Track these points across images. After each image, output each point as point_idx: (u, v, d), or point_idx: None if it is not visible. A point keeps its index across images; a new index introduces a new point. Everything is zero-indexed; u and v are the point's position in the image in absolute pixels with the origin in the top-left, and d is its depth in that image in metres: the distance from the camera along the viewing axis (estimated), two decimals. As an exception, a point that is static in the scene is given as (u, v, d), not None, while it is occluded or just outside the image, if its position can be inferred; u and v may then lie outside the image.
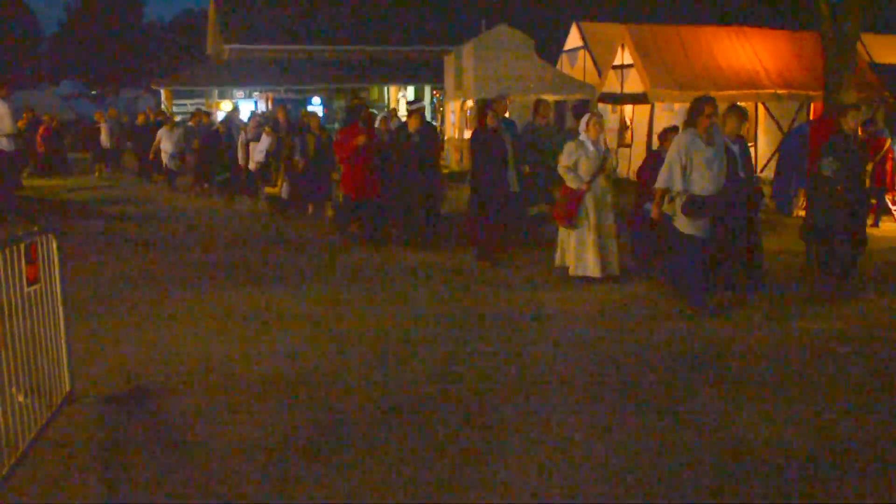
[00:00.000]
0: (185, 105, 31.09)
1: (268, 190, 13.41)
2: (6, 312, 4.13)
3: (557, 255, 8.42)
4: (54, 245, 4.74)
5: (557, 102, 18.16)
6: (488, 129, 9.10)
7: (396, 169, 10.34)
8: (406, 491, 3.91)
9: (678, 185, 6.82)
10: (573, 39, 21.32)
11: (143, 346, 6.15)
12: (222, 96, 31.15)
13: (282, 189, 12.88)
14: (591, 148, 7.96)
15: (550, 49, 22.57)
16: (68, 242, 8.98)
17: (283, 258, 9.67)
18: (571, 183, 7.98)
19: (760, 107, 16.68)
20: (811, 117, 15.83)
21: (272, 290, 8.03)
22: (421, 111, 10.81)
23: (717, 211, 6.86)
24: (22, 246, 4.28)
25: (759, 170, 16.30)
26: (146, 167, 19.10)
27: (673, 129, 8.34)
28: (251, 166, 14.10)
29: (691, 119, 6.93)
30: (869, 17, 15.31)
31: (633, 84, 16.76)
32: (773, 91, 16.25)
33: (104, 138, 20.80)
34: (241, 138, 14.93)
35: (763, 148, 16.72)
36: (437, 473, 4.07)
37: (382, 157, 10.58)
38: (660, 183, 6.94)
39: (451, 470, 4.11)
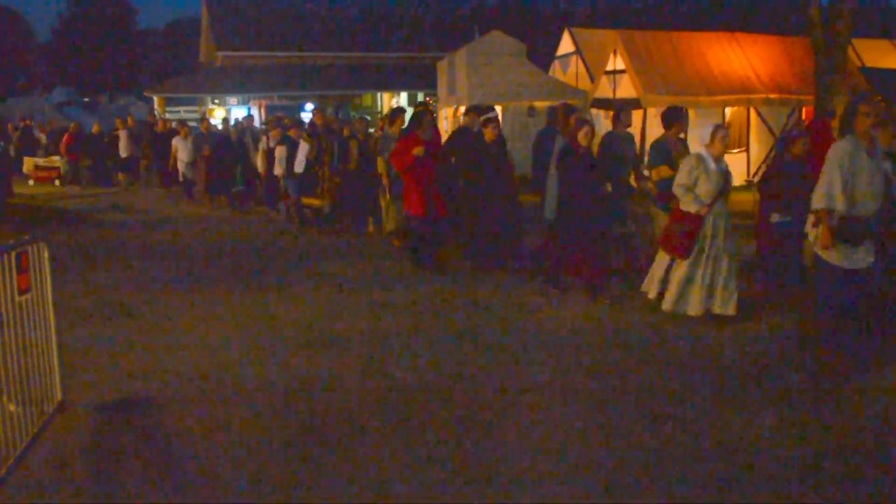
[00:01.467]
0: (177, 112, 31.04)
1: (307, 201, 12.31)
2: (-3, 322, 4.12)
3: (646, 281, 7.28)
4: (45, 254, 4.72)
5: (549, 107, 18.17)
6: (582, 149, 7.63)
7: (468, 183, 9.01)
8: (403, 498, 3.91)
9: (842, 206, 5.48)
10: (565, 45, 21.39)
11: (134, 355, 6.12)
12: (215, 103, 31.14)
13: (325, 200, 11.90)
14: (712, 165, 6.68)
15: (543, 55, 22.64)
16: (60, 251, 8.98)
17: (283, 267, 9.65)
18: (689, 206, 6.69)
19: (752, 112, 16.76)
20: (802, 122, 15.88)
21: (268, 298, 8.01)
22: (496, 120, 9.11)
23: (875, 236, 5.71)
24: (13, 255, 4.27)
25: (749, 175, 16.39)
26: (166, 176, 17.83)
27: (801, 135, 7.31)
28: (277, 172, 12.88)
29: (847, 122, 5.69)
30: (859, 21, 15.38)
31: (626, 89, 16.80)
32: (764, 96, 16.32)
33: (123, 146, 19.22)
34: (262, 145, 14.07)
35: (755, 154, 16.79)
36: (434, 479, 4.06)
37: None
38: (819, 203, 5.53)
39: (449, 476, 4.10)
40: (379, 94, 34.02)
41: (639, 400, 5.14)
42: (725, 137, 6.76)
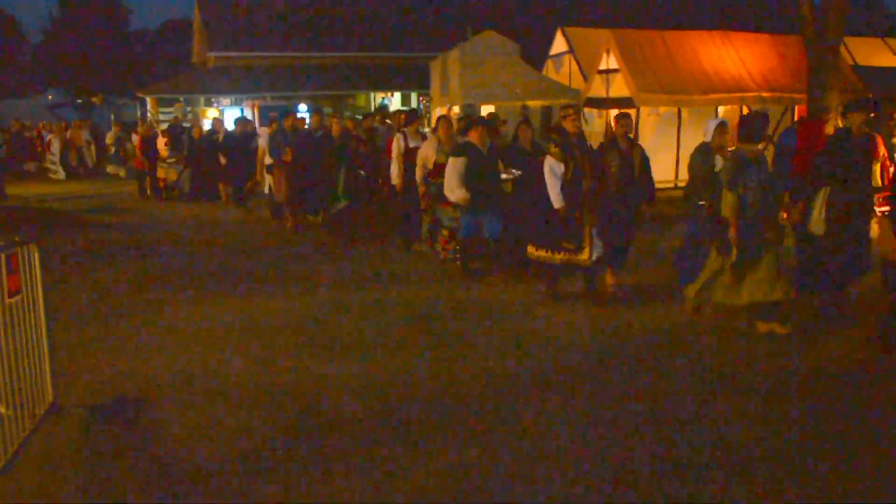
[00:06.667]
0: (170, 113, 30.95)
1: (559, 258, 7.47)
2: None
3: None
4: (36, 255, 4.71)
5: (543, 108, 18.19)
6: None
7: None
8: (399, 499, 3.89)
9: None
10: (558, 45, 21.39)
11: (126, 357, 6.10)
12: (208, 104, 31.07)
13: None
14: None
15: (536, 55, 22.61)
16: (51, 253, 8.94)
17: (275, 266, 9.63)
18: None
19: (745, 110, 16.77)
20: (795, 120, 15.93)
21: (260, 299, 7.99)
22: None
23: None
24: (2, 257, 4.25)
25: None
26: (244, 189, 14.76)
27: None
28: (454, 198, 8.42)
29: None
30: (851, 19, 15.41)
31: (619, 89, 16.81)
32: (757, 94, 16.34)
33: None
34: (398, 144, 10.00)
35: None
36: (430, 482, 4.05)
37: None
38: None
39: (445, 478, 4.09)
40: (372, 95, 33.99)
41: (634, 396, 5.13)
42: None
